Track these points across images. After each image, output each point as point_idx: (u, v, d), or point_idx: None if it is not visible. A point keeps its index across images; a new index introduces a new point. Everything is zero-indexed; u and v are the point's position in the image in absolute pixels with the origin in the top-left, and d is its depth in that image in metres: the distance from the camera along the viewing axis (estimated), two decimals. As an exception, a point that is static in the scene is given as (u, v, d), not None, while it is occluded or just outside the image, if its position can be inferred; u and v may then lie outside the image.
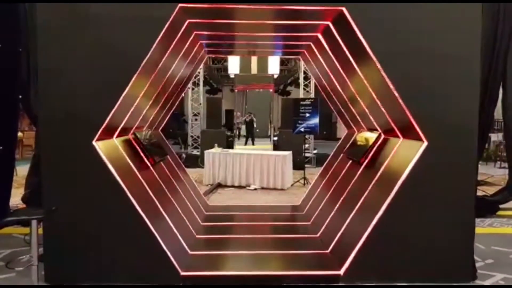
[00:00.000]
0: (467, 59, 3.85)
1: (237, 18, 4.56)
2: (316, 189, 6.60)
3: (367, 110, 4.94)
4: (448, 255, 3.96)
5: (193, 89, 15.24)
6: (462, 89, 3.87)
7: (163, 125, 6.74)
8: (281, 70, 16.93)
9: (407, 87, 3.81)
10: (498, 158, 13.24)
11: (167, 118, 6.77)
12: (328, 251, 4.56)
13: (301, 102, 10.63)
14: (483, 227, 6.00)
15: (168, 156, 6.14)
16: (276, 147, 13.72)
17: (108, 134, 4.06)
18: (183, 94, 8.30)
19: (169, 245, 3.97)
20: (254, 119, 17.02)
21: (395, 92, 3.79)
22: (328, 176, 6.42)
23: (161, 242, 3.87)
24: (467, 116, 3.89)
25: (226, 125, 19.66)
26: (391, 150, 4.42)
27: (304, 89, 14.16)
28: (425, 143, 3.86)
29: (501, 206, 6.59)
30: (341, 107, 6.21)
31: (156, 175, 5.09)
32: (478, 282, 4.03)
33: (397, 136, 4.39)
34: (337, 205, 5.11)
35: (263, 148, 14.02)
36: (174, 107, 6.80)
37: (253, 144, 16.81)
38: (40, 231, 3.51)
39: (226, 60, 17.04)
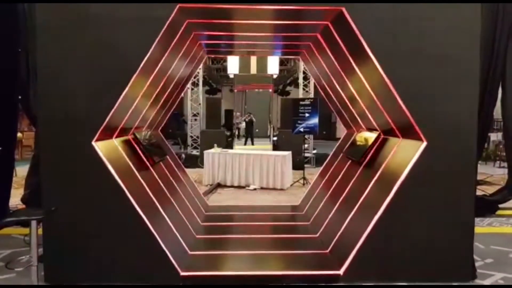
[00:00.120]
0: (467, 58, 3.86)
1: (236, 18, 4.56)
2: (315, 189, 6.61)
3: (366, 110, 4.94)
4: (448, 254, 3.97)
5: (192, 89, 15.23)
6: (462, 89, 3.87)
7: (162, 125, 6.74)
8: (280, 70, 16.95)
9: (406, 87, 3.82)
10: (498, 157, 13.25)
11: (167, 118, 6.77)
12: (327, 251, 4.56)
13: (301, 102, 10.63)
14: (482, 226, 6.00)
15: (167, 157, 6.14)
16: (275, 147, 13.72)
17: (107, 134, 4.06)
18: (182, 94, 8.29)
19: (169, 245, 3.97)
20: (254, 119, 17.03)
21: (394, 92, 3.79)
22: (327, 176, 6.42)
23: (160, 242, 3.87)
24: (467, 116, 3.89)
25: (225, 125, 19.68)
26: (390, 150, 4.42)
27: (303, 89, 14.16)
28: (425, 143, 3.87)
29: (500, 205, 6.57)
30: (340, 107, 6.21)
31: (156, 176, 5.09)
32: (477, 281, 4.04)
33: (397, 136, 4.39)
34: (337, 205, 5.11)
35: (262, 148, 14.01)
36: (174, 107, 6.80)
37: (252, 144, 16.81)
38: (40, 231, 3.51)
39: (225, 60, 17.07)
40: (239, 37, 5.47)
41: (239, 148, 14.32)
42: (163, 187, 5.14)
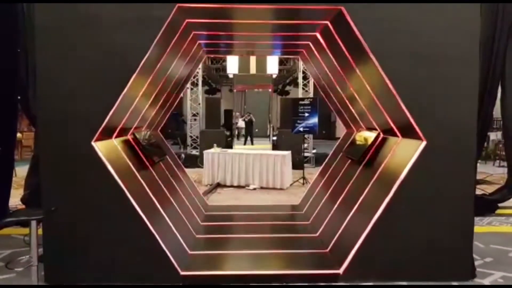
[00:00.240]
0: (466, 58, 3.86)
1: (235, 18, 4.56)
2: (315, 189, 6.61)
3: (366, 110, 4.94)
4: (447, 253, 3.97)
5: (192, 89, 15.23)
6: (461, 88, 3.88)
7: (162, 125, 6.74)
8: (280, 70, 16.94)
9: (405, 86, 3.82)
10: (497, 157, 13.26)
11: (166, 118, 6.77)
12: (327, 250, 4.56)
13: (300, 102, 10.63)
14: (482, 225, 6.01)
15: (167, 157, 6.14)
16: (275, 146, 13.72)
17: (107, 134, 4.06)
18: (181, 94, 8.29)
19: (168, 245, 3.97)
20: (253, 119, 17.02)
21: (394, 91, 3.80)
22: (327, 175, 6.42)
23: (160, 242, 3.88)
24: (466, 115, 3.89)
25: (225, 125, 19.67)
26: (390, 150, 4.43)
27: (303, 88, 14.16)
28: (424, 142, 3.87)
29: (500, 204, 6.58)
30: (340, 107, 6.22)
31: (156, 175, 5.09)
32: (477, 280, 4.04)
33: (396, 136, 4.39)
34: (336, 204, 5.12)
35: (262, 148, 14.02)
36: (173, 107, 6.80)
37: (252, 144, 16.82)
38: (40, 231, 3.51)
39: (224, 60, 17.06)
40: (239, 36, 5.48)
41: (238, 148, 14.32)
42: (163, 187, 5.14)
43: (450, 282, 3.95)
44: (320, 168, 7.18)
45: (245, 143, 16.85)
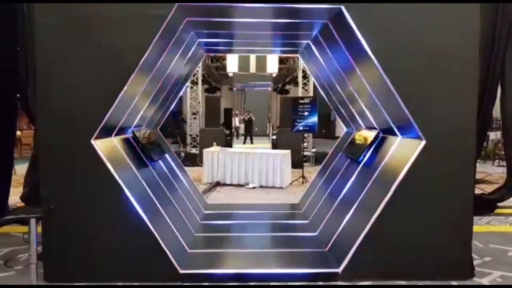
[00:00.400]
0: (466, 58, 3.86)
1: (235, 17, 4.56)
2: (314, 188, 6.62)
3: (365, 109, 4.95)
4: (446, 253, 3.98)
5: (191, 87, 15.22)
6: (461, 88, 3.88)
7: (161, 124, 6.74)
8: (279, 69, 16.92)
9: (405, 86, 3.82)
10: (497, 156, 13.28)
11: (166, 117, 6.77)
12: (326, 249, 4.57)
13: (300, 101, 10.62)
14: (481, 225, 6.01)
15: (166, 155, 6.14)
16: (274, 145, 13.73)
17: (106, 133, 4.06)
18: (181, 93, 8.29)
19: (168, 243, 3.98)
20: (253, 117, 17.02)
21: (393, 91, 3.80)
22: (326, 174, 6.43)
23: (159, 240, 3.88)
24: (466, 115, 3.90)
25: (224, 124, 19.67)
26: (389, 149, 4.43)
27: (302, 87, 14.16)
28: (424, 142, 3.87)
29: (499, 204, 6.59)
30: (339, 106, 6.22)
31: (155, 174, 5.09)
32: (476, 280, 4.05)
33: (396, 135, 4.39)
34: (336, 203, 5.12)
35: (262, 147, 14.03)
36: (173, 106, 6.80)
37: (251, 142, 16.83)
38: (39, 229, 3.51)
39: (224, 59, 17.04)
40: (238, 35, 5.47)
41: (238, 146, 14.32)
42: (162, 185, 5.14)
43: (449, 281, 3.96)
44: (319, 167, 7.19)
45: (244, 142, 16.86)
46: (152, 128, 6.10)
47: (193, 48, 5.55)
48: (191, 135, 15.29)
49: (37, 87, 3.86)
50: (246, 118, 17.09)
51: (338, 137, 7.65)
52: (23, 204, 5.59)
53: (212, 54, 16.22)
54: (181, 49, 4.95)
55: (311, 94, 13.60)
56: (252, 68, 14.50)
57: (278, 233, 5.51)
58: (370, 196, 4.31)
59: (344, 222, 4.48)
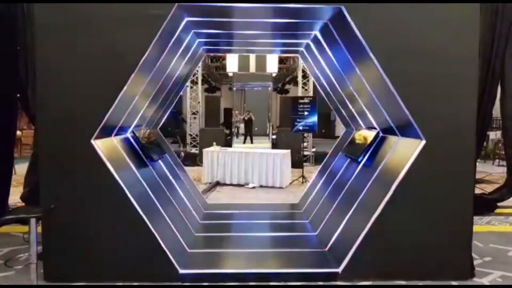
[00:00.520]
0: (466, 57, 3.86)
1: (235, 17, 4.56)
2: (314, 187, 6.62)
3: (365, 109, 4.95)
4: (446, 253, 3.98)
5: (191, 87, 15.22)
6: (461, 88, 3.88)
7: (161, 123, 6.74)
8: (279, 69, 16.94)
9: (405, 85, 3.82)
10: (497, 156, 13.28)
11: (166, 116, 6.77)
12: (326, 249, 4.57)
13: (300, 101, 10.62)
14: (481, 225, 6.02)
15: (166, 155, 6.14)
16: (274, 145, 13.73)
17: (106, 132, 4.06)
18: (181, 93, 8.29)
19: (167, 243, 3.98)
20: (253, 117, 17.02)
21: (393, 90, 3.80)
22: (326, 174, 6.43)
23: (159, 240, 3.88)
24: (466, 115, 3.89)
25: (224, 124, 19.67)
26: (389, 149, 4.43)
27: (302, 87, 14.16)
28: (423, 142, 3.87)
29: (499, 204, 6.58)
30: (339, 106, 6.22)
31: (155, 174, 5.09)
32: (476, 280, 4.05)
33: (395, 135, 4.39)
34: (336, 203, 5.12)
35: (261, 147, 14.03)
36: (173, 105, 6.80)
37: (251, 142, 16.82)
38: (39, 229, 3.51)
39: (224, 59, 17.04)
40: (238, 35, 5.47)
41: (238, 146, 14.33)
42: (162, 185, 5.14)
43: (449, 281, 3.96)
44: (319, 167, 7.19)
45: (244, 142, 16.85)
46: (152, 128, 6.10)
47: (193, 48, 5.55)
48: (191, 135, 15.28)
49: (37, 87, 3.86)
50: (246, 118, 17.09)
51: (338, 136, 7.65)
52: (23, 204, 5.59)
53: (212, 54, 16.23)
54: (181, 49, 4.95)
55: (311, 94, 13.60)
56: (252, 68, 14.52)
57: (278, 233, 5.51)
58: (370, 196, 4.31)
59: (344, 222, 4.48)
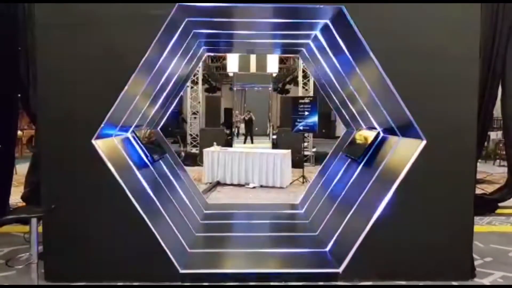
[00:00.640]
0: (466, 57, 3.85)
1: (236, 17, 4.56)
2: (315, 187, 6.61)
3: (366, 109, 4.94)
4: (447, 253, 3.97)
5: (192, 87, 15.21)
6: (461, 88, 3.88)
7: (162, 123, 6.74)
8: (280, 69, 16.93)
9: (406, 85, 3.81)
10: (498, 156, 13.26)
11: (166, 116, 6.77)
12: (327, 249, 4.57)
13: (300, 101, 10.62)
14: (482, 225, 6.01)
15: (167, 155, 6.14)
16: (275, 145, 13.73)
17: (107, 132, 4.06)
18: (182, 93, 8.29)
19: (168, 243, 3.98)
20: (253, 117, 17.02)
21: (394, 90, 3.79)
22: (327, 174, 6.42)
23: (160, 240, 3.88)
24: (466, 115, 3.89)
25: (225, 124, 19.67)
26: (390, 149, 4.43)
27: (303, 87, 14.15)
28: (424, 142, 3.87)
29: (500, 204, 6.60)
30: (340, 106, 6.22)
31: (155, 174, 5.09)
32: (477, 280, 4.04)
33: (396, 135, 4.39)
34: (336, 203, 5.12)
35: (262, 147, 14.03)
36: (173, 105, 6.80)
37: (252, 142, 16.83)
38: (40, 229, 3.51)
39: (225, 59, 17.04)
40: (239, 35, 5.47)
41: (238, 146, 14.33)
42: (163, 185, 5.14)
43: (450, 281, 3.95)
44: (319, 167, 7.18)
45: (245, 142, 16.86)
46: (153, 128, 6.10)
47: (193, 48, 5.55)
48: (191, 134, 15.28)
49: (38, 87, 3.87)
50: (246, 118, 17.09)
51: (339, 137, 7.65)
52: (24, 203, 5.60)
53: (212, 54, 16.22)
54: (182, 49, 4.95)
55: (311, 93, 13.60)
56: (253, 68, 14.52)
57: (278, 233, 5.51)
58: (371, 196, 4.30)
59: (344, 222, 4.48)
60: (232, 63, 14.58)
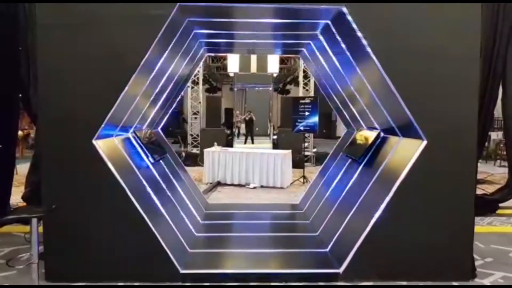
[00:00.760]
0: (467, 58, 3.85)
1: (236, 17, 4.56)
2: (315, 188, 6.61)
3: (366, 109, 4.94)
4: (448, 253, 3.97)
5: (192, 87, 15.22)
6: (462, 88, 3.87)
7: (162, 123, 6.75)
8: (280, 69, 16.94)
9: (406, 85, 3.81)
10: (498, 156, 13.25)
11: (167, 116, 6.77)
12: (327, 249, 4.57)
13: (301, 101, 10.62)
14: (482, 225, 6.00)
15: (167, 155, 6.15)
16: (275, 145, 13.72)
17: (107, 132, 4.06)
18: (182, 93, 8.30)
19: (168, 243, 3.98)
20: (254, 117, 17.02)
21: (394, 90, 3.79)
22: (327, 174, 6.42)
23: (160, 240, 3.88)
24: (467, 115, 3.89)
25: (225, 124, 19.68)
26: (390, 149, 4.43)
27: (303, 87, 14.16)
28: (425, 142, 3.87)
29: (500, 204, 6.59)
30: (340, 106, 6.22)
31: (156, 174, 5.09)
32: (477, 280, 4.04)
33: (397, 135, 4.39)
34: (337, 203, 5.12)
35: (262, 147, 14.03)
36: (174, 105, 6.80)
37: (252, 142, 16.83)
38: (41, 229, 3.51)
39: (225, 59, 17.05)
40: (239, 35, 5.47)
41: (239, 146, 14.33)
42: (163, 185, 5.14)
43: (450, 282, 3.95)
44: (320, 167, 7.18)
45: (245, 142, 16.86)
46: (153, 128, 6.10)
47: (194, 48, 5.55)
48: (192, 135, 15.28)
49: (39, 87, 3.87)
50: (247, 118, 17.09)
51: (339, 137, 7.65)
52: (24, 203, 5.61)
53: (213, 54, 16.23)
54: (182, 49, 4.95)
55: (312, 94, 13.60)
56: (253, 68, 14.52)
57: (279, 233, 5.50)
58: (371, 196, 4.30)
59: (345, 222, 4.48)
60: (233, 63, 14.59)
